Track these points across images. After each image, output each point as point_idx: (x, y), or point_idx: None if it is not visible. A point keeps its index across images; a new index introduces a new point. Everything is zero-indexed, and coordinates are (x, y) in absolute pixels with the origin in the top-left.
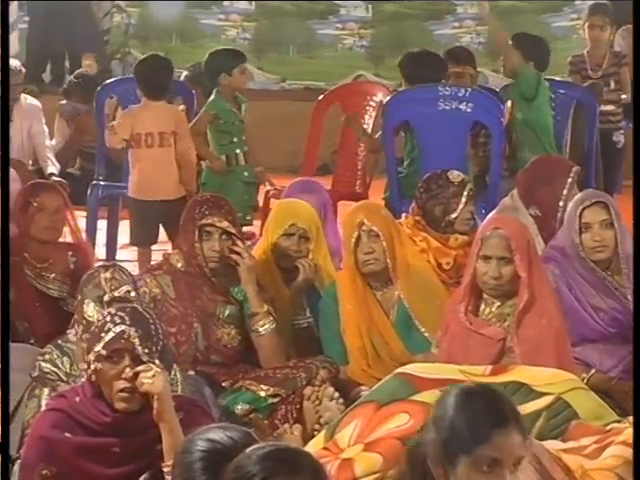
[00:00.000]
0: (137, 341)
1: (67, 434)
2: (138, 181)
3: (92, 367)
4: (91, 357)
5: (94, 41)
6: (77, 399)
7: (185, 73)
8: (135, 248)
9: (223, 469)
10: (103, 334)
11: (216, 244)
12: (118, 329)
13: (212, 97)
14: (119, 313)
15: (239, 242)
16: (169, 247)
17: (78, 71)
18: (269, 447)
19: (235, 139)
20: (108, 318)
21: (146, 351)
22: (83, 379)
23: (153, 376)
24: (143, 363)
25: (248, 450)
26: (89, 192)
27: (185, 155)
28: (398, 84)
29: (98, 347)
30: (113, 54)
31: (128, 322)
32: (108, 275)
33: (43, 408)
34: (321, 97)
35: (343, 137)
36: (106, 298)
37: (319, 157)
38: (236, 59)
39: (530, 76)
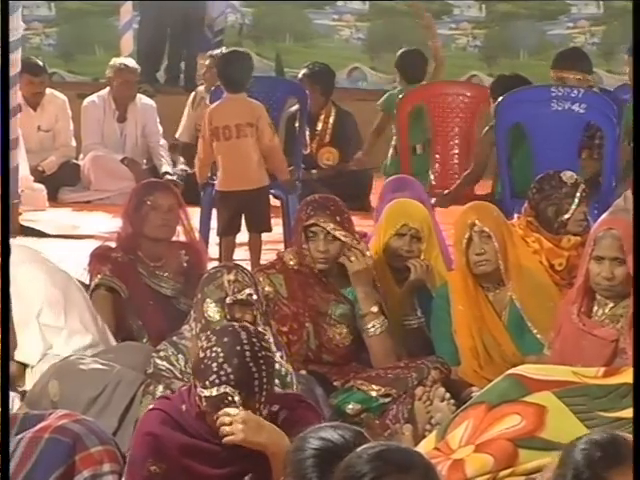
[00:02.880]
0: (239, 407)
1: (176, 433)
2: (221, 173)
3: (197, 399)
4: (197, 390)
5: (208, 41)
6: (183, 407)
7: (304, 71)
8: (246, 247)
9: (334, 468)
10: (208, 382)
11: (321, 245)
12: (222, 389)
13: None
14: (225, 367)
15: (351, 243)
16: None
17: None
18: (380, 447)
19: None
20: (215, 366)
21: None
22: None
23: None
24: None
25: (359, 449)
26: (202, 192)
27: (270, 146)
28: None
29: (202, 390)
30: None
31: (233, 382)
32: (231, 277)
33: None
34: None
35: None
36: (228, 300)
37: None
38: None
39: None
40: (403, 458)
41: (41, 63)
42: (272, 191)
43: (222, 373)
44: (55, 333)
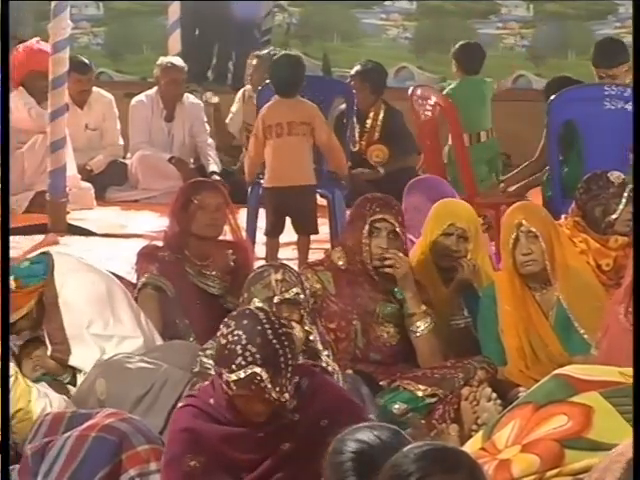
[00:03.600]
0: (269, 385)
1: (211, 424)
2: (268, 170)
3: (224, 386)
4: (223, 378)
5: (256, 41)
6: (211, 401)
7: (356, 68)
8: (294, 247)
9: (373, 469)
10: (234, 366)
11: (383, 242)
12: (249, 370)
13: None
14: (249, 348)
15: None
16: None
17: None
18: (426, 446)
19: None
20: (239, 348)
21: (277, 389)
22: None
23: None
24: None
25: (405, 449)
26: (249, 190)
27: (329, 144)
28: None
29: (229, 376)
30: None
31: (259, 361)
32: (279, 276)
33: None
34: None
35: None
36: (276, 300)
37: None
38: None
39: None
40: (449, 458)
41: (88, 61)
42: (319, 190)
43: (247, 354)
44: (106, 340)
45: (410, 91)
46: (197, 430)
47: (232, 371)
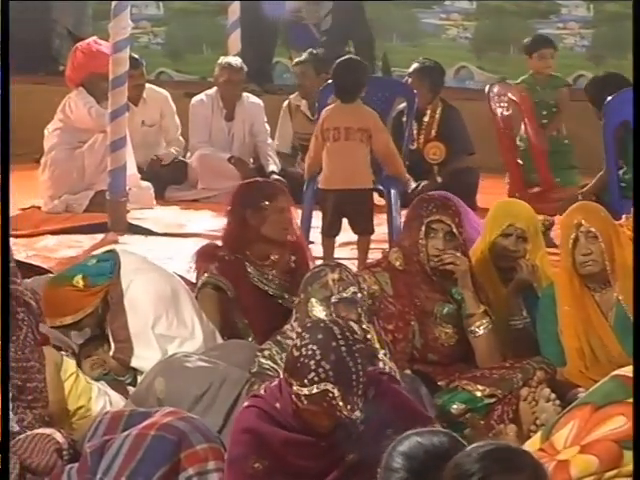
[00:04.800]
0: (340, 402)
1: (275, 428)
2: (325, 172)
3: (293, 397)
4: (293, 389)
5: (315, 41)
6: (277, 405)
7: (414, 66)
8: (354, 246)
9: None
10: (306, 381)
11: (440, 243)
12: (322, 387)
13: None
14: (323, 364)
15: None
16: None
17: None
18: (489, 446)
19: None
20: (313, 364)
21: (348, 407)
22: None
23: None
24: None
25: (469, 448)
26: (305, 189)
27: (387, 151)
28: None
29: (300, 389)
30: None
31: (332, 379)
32: (336, 276)
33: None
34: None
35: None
36: (333, 299)
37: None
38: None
39: None
40: (513, 458)
41: (137, 56)
42: (379, 187)
43: (320, 370)
44: (169, 341)
45: (487, 89)
46: (261, 432)
47: (304, 385)
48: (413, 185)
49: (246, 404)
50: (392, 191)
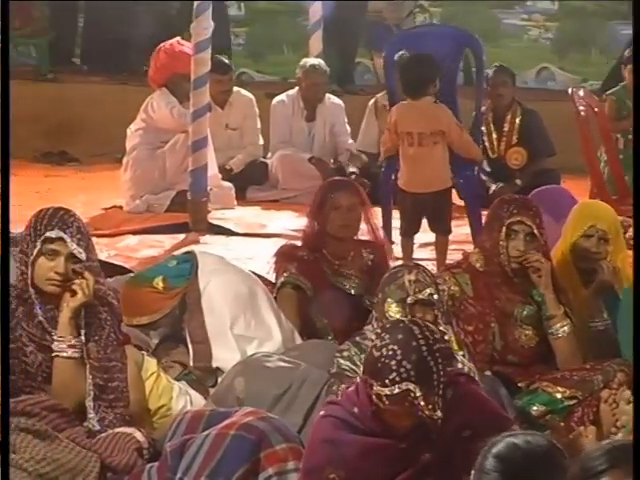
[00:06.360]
0: (421, 402)
1: (353, 435)
2: (403, 174)
3: (374, 398)
4: (374, 390)
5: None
6: (355, 410)
7: (497, 65)
8: (432, 247)
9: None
10: (387, 381)
11: (521, 244)
12: (404, 386)
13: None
14: (404, 364)
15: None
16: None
17: None
18: (609, 444)
19: None
20: (394, 364)
21: (429, 407)
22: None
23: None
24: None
25: (588, 449)
26: (381, 185)
27: (459, 144)
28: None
29: (381, 389)
30: None
31: (414, 378)
32: (412, 277)
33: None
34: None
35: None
36: (409, 300)
37: None
38: None
39: None
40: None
41: (228, 61)
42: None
43: (402, 370)
44: (247, 342)
45: (570, 91)
46: (338, 442)
47: (385, 385)
48: (493, 187)
49: (322, 413)
50: (470, 192)
